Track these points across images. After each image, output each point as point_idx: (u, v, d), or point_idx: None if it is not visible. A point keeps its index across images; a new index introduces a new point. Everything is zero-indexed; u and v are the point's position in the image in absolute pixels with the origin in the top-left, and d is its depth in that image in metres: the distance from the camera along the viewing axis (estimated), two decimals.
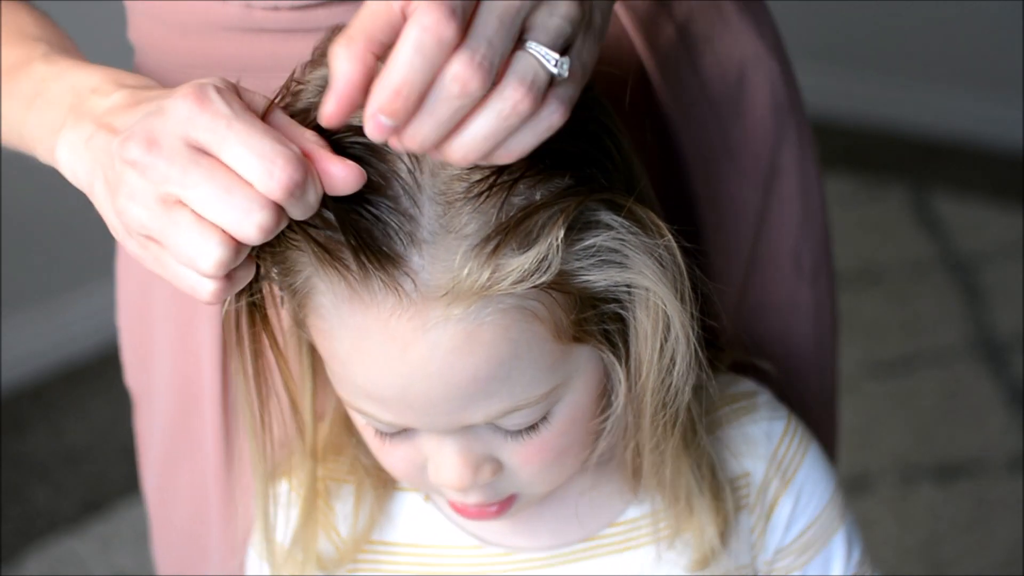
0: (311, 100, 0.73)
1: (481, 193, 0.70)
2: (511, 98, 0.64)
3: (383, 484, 0.89)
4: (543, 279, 0.71)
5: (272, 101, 0.69)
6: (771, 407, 0.90)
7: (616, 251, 0.73)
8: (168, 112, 0.66)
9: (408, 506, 0.89)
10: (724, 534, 0.85)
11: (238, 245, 0.66)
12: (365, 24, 0.64)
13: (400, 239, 0.70)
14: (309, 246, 0.70)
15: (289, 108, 0.73)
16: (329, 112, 0.65)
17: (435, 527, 0.88)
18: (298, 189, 0.65)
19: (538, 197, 0.71)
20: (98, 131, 0.72)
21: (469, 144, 0.65)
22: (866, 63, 3.46)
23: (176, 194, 0.66)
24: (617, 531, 0.87)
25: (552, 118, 0.66)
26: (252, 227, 0.65)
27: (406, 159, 0.70)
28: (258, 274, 0.73)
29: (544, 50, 0.65)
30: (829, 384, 1.05)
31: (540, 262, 0.70)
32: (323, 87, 0.72)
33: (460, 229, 0.70)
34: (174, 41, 0.88)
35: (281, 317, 0.79)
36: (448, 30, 0.62)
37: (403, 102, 0.63)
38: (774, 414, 0.89)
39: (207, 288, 0.68)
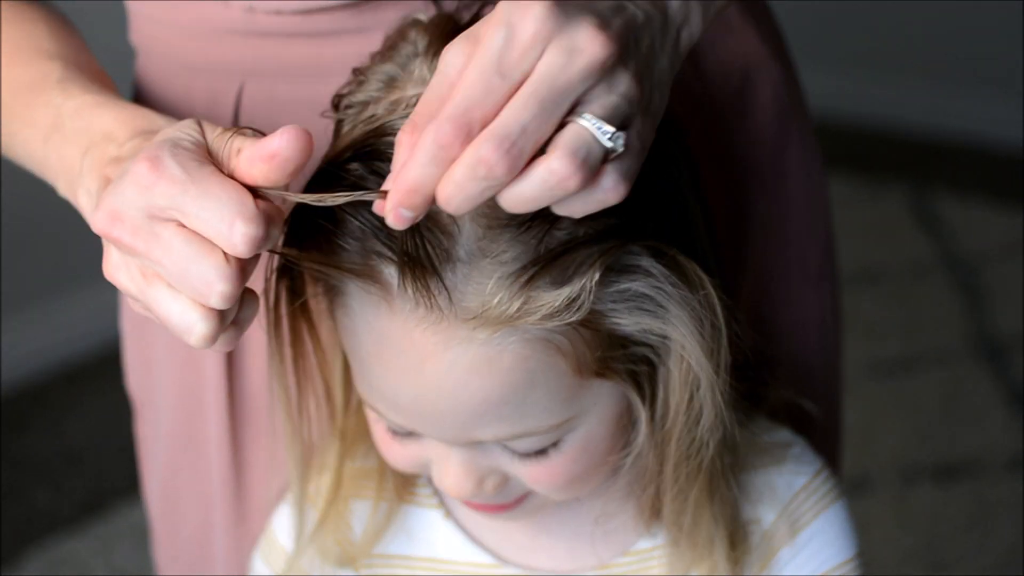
0: (372, 94, 0.73)
1: (524, 222, 0.69)
2: (559, 172, 0.63)
3: (404, 485, 0.88)
4: (572, 318, 0.70)
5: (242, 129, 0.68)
6: (799, 461, 0.88)
7: (651, 299, 0.72)
8: (127, 182, 0.66)
9: (429, 522, 0.89)
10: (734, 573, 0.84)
11: (220, 312, 0.66)
12: (427, 108, 0.64)
13: (435, 254, 0.69)
14: (352, 247, 0.71)
15: (349, 97, 0.73)
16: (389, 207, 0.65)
17: (454, 544, 0.88)
18: (260, 241, 0.64)
19: (581, 234, 0.70)
20: (101, 185, 0.72)
21: (513, 204, 0.64)
22: (866, 63, 3.46)
23: (151, 268, 0.66)
24: (630, 560, 0.86)
25: (609, 194, 0.64)
26: (216, 298, 0.64)
27: None
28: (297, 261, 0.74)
29: (598, 123, 0.63)
30: (834, 386, 1.05)
31: (571, 302, 0.69)
32: (386, 82, 0.73)
33: (498, 255, 0.69)
34: (177, 44, 0.88)
35: (320, 302, 0.79)
36: (456, 146, 0.62)
37: (421, 199, 0.64)
38: (800, 468, 0.88)
39: (209, 347, 0.67)
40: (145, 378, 1.00)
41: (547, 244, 0.70)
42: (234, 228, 0.64)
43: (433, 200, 0.64)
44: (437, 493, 0.89)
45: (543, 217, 0.69)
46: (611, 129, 0.63)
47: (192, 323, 0.65)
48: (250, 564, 0.94)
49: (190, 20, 0.86)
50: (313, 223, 0.72)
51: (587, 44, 0.62)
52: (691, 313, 0.73)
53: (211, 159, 0.67)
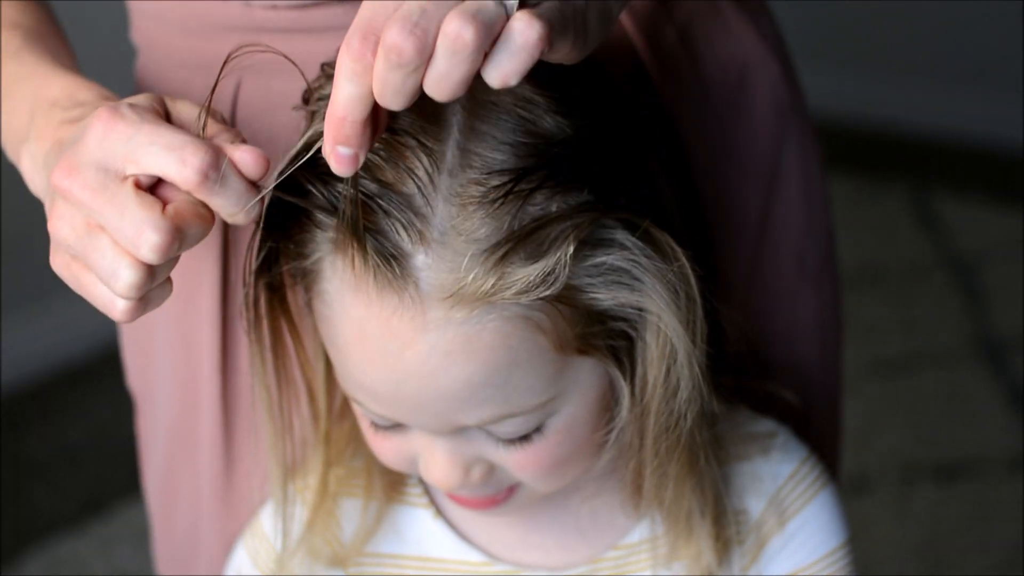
0: None
1: (496, 199, 0.69)
2: (452, 30, 0.61)
3: (393, 485, 0.88)
4: (548, 292, 0.70)
5: (205, 107, 0.72)
6: (785, 449, 0.88)
7: (627, 272, 0.73)
8: (85, 136, 0.69)
9: (419, 521, 0.89)
10: (722, 563, 0.84)
11: (150, 268, 0.68)
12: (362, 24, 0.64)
13: (408, 236, 0.70)
14: (326, 232, 0.72)
15: (319, 91, 0.75)
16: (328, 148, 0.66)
17: (444, 542, 0.88)
18: (211, 170, 0.67)
19: (554, 209, 0.70)
20: (52, 148, 0.75)
21: (435, 86, 0.63)
22: (866, 63, 3.46)
23: (95, 220, 0.68)
24: (619, 554, 0.86)
25: (525, 36, 0.62)
26: (146, 247, 0.67)
27: (424, 160, 0.70)
28: (277, 254, 0.75)
29: None
30: (834, 385, 1.05)
31: (546, 276, 0.70)
32: None
33: (471, 233, 0.70)
34: (176, 41, 0.88)
35: (298, 299, 0.79)
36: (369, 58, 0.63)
37: (350, 127, 0.65)
38: (785, 456, 0.88)
39: (119, 307, 0.70)
40: (145, 373, 1.00)
41: (520, 220, 0.70)
42: (185, 152, 0.67)
43: (368, 130, 0.65)
44: (427, 492, 0.89)
45: (515, 194, 0.70)
46: None
47: (121, 272, 0.68)
48: (231, 553, 0.93)
49: (188, 16, 0.87)
50: (289, 216, 0.73)
51: None
52: (666, 284, 0.73)
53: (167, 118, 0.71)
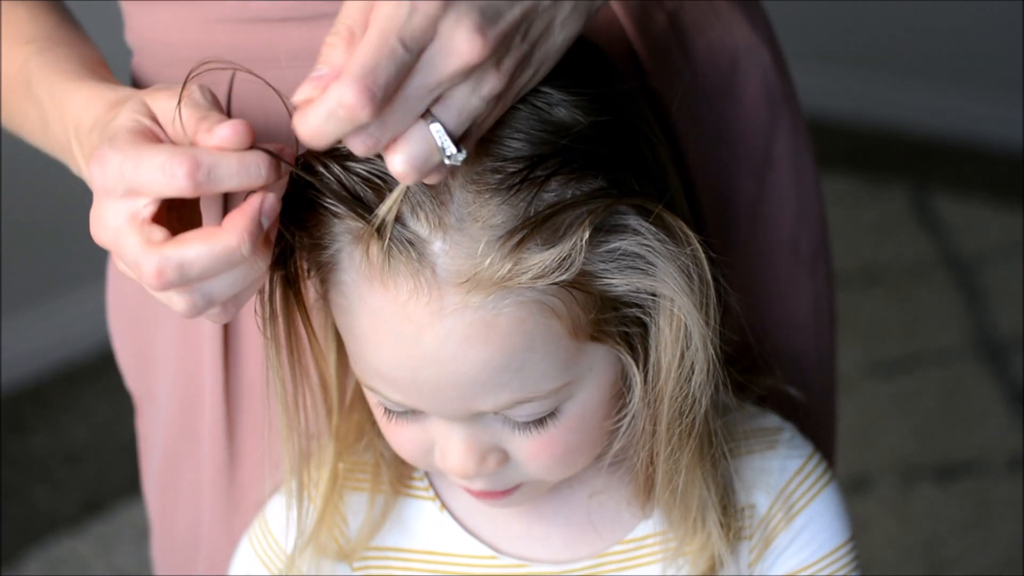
0: None
1: (513, 186, 0.71)
2: (397, 172, 0.68)
3: (399, 479, 0.89)
4: (563, 277, 0.71)
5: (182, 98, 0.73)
6: (791, 445, 0.89)
7: (641, 257, 0.74)
8: (92, 183, 0.72)
9: (424, 514, 0.89)
10: (730, 553, 0.85)
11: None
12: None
13: (426, 222, 0.71)
14: (343, 220, 0.73)
15: None
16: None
17: (450, 536, 0.88)
18: (196, 170, 0.68)
19: (569, 195, 0.72)
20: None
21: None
22: (866, 63, 3.46)
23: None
24: (626, 548, 0.87)
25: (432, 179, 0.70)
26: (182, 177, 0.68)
27: None
28: (292, 246, 0.75)
29: (445, 139, 0.68)
30: (828, 375, 1.05)
31: (562, 261, 0.71)
32: None
33: (487, 219, 0.71)
34: (172, 36, 0.88)
35: (309, 291, 0.80)
36: (364, 114, 0.65)
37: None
38: (792, 452, 0.89)
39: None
40: (144, 373, 1.00)
41: (536, 207, 0.71)
42: (171, 165, 0.68)
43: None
44: (432, 486, 0.89)
45: (531, 181, 0.71)
46: (453, 149, 0.68)
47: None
48: (236, 550, 0.93)
49: (183, 10, 0.87)
50: (304, 208, 0.74)
51: (462, 46, 0.66)
52: (679, 268, 0.74)
53: (151, 133, 0.72)
